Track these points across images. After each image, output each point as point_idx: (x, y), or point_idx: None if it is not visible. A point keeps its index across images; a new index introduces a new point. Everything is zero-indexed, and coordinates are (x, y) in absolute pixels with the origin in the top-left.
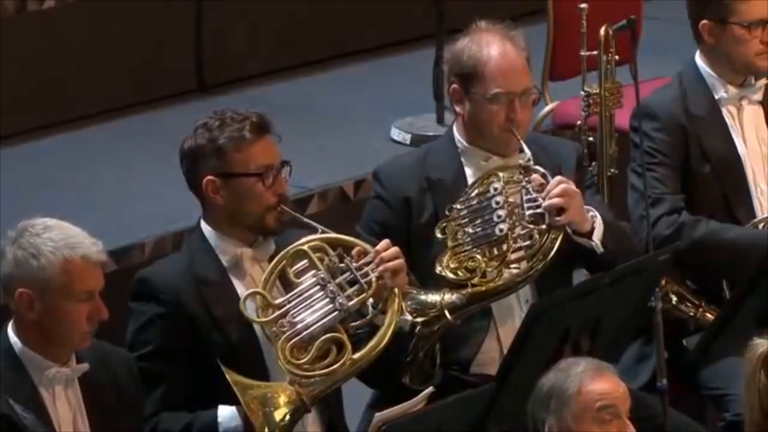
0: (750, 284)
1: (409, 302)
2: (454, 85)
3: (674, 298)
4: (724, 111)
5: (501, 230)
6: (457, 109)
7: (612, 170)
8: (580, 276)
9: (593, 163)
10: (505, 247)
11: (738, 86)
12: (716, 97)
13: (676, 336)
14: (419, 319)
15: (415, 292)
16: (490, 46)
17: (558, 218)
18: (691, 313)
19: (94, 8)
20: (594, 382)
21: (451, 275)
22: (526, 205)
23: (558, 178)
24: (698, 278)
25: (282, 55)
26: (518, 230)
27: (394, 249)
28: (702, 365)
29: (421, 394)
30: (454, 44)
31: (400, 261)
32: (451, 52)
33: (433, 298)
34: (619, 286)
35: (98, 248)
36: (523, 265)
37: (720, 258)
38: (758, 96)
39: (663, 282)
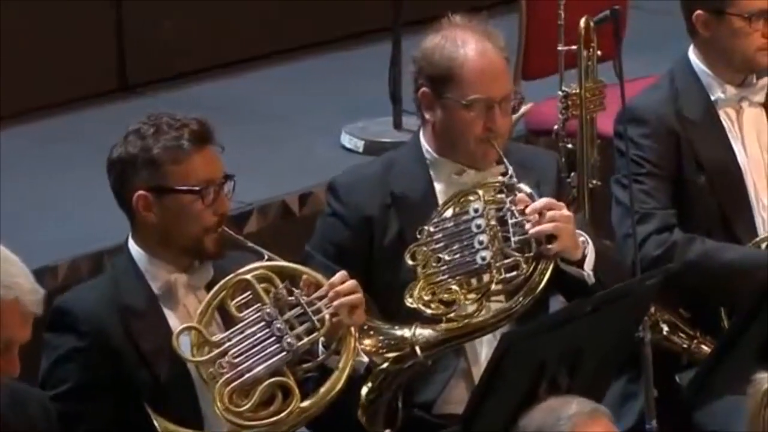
0: (751, 312)
1: (380, 336)
2: (424, 89)
3: (665, 328)
4: (721, 114)
5: (483, 258)
6: (427, 116)
7: (594, 182)
8: (556, 303)
9: (572, 174)
10: (487, 277)
11: (737, 86)
12: (712, 98)
13: (667, 371)
14: (390, 355)
15: (383, 326)
16: (467, 46)
17: (549, 246)
18: (685, 345)
19: (4, 1)
20: (588, 427)
21: (424, 308)
22: (512, 230)
23: (547, 200)
24: (692, 305)
25: (215, 50)
26: (502, 259)
27: (352, 282)
28: (697, 404)
29: None
30: (424, 42)
31: (358, 296)
32: (421, 51)
33: (403, 332)
34: (601, 314)
35: (36, 298)
36: (507, 298)
37: (717, 282)
38: (760, 97)
39: (652, 309)
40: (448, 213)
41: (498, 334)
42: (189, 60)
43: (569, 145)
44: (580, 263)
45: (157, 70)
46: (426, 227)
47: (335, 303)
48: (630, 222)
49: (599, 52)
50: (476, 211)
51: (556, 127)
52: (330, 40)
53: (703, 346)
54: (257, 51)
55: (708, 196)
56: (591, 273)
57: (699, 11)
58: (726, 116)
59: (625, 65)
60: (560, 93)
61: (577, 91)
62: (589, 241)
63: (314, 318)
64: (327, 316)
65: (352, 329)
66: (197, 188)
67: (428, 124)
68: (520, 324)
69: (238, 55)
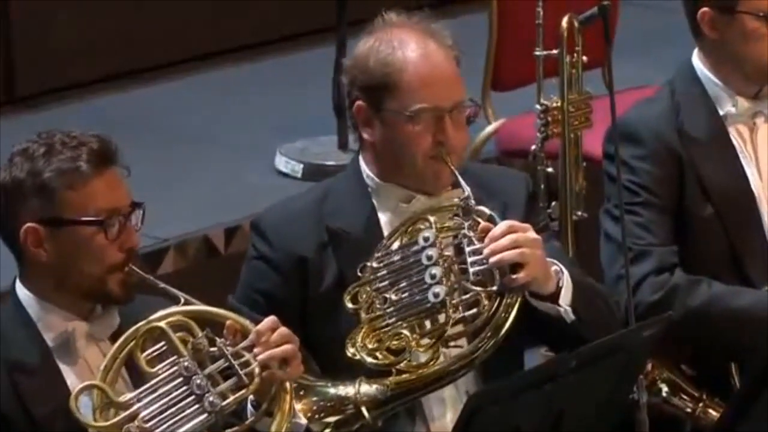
0: (767, 369)
1: (314, 398)
2: (359, 102)
3: (665, 389)
4: (731, 131)
5: (436, 295)
6: (365, 134)
7: (579, 213)
8: (534, 358)
9: (553, 204)
10: (442, 318)
11: (751, 98)
12: (721, 112)
13: None
14: (331, 419)
15: (320, 383)
16: (406, 46)
17: (514, 276)
18: (688, 409)
19: None
20: None
21: (369, 359)
22: (469, 260)
23: (509, 222)
24: (697, 361)
25: (121, 55)
26: (459, 295)
27: (284, 330)
28: None
29: None
30: (355, 47)
31: (292, 346)
32: (353, 58)
33: (345, 391)
34: (587, 371)
35: None
36: (467, 342)
37: (726, 333)
38: None
39: (649, 366)
40: (395, 245)
41: (464, 394)
42: (90, 68)
43: (549, 169)
44: (554, 298)
45: (52, 80)
46: (369, 263)
47: (265, 354)
48: (623, 261)
49: (585, 58)
50: (426, 240)
51: (533, 147)
52: (263, 42)
53: (710, 410)
54: (173, 56)
55: (715, 230)
56: (569, 308)
57: (705, 8)
58: (737, 134)
59: (616, 73)
60: (538, 107)
61: (559, 104)
62: (564, 270)
63: (241, 372)
64: (256, 370)
65: (287, 385)
66: (98, 219)
67: (368, 145)
68: (490, 382)
69: (150, 61)
